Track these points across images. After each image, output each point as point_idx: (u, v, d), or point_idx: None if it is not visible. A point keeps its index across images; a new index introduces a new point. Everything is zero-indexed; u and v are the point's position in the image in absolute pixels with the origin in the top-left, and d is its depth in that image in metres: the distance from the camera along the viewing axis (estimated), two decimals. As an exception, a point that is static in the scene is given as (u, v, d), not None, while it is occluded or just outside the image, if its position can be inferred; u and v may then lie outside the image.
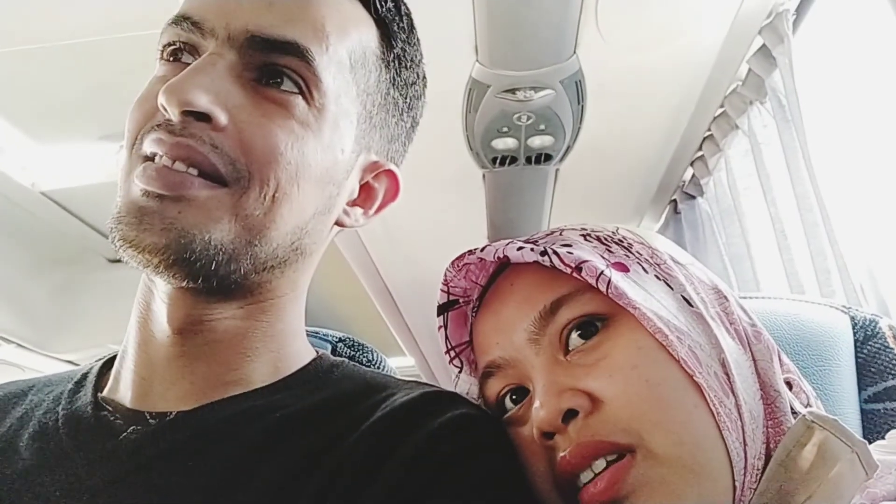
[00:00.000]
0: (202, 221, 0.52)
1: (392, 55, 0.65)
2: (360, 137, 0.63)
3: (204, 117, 0.53)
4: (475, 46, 1.19)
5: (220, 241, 0.53)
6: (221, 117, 0.53)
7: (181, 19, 0.56)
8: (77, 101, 1.41)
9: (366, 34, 0.62)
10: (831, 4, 1.18)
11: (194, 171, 0.52)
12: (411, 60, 0.67)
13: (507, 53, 1.20)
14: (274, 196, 0.55)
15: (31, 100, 1.39)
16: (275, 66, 0.56)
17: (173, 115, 0.52)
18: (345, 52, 0.60)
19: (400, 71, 0.66)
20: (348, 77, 0.60)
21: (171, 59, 0.58)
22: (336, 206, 0.63)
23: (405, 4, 0.67)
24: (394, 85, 0.66)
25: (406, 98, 0.68)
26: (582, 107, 1.38)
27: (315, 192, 0.59)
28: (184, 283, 0.54)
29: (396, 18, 0.65)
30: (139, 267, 0.52)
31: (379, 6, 0.63)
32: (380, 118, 0.65)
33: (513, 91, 1.28)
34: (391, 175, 0.68)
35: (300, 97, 0.56)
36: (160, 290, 0.57)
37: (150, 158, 0.53)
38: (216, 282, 0.54)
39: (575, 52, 1.21)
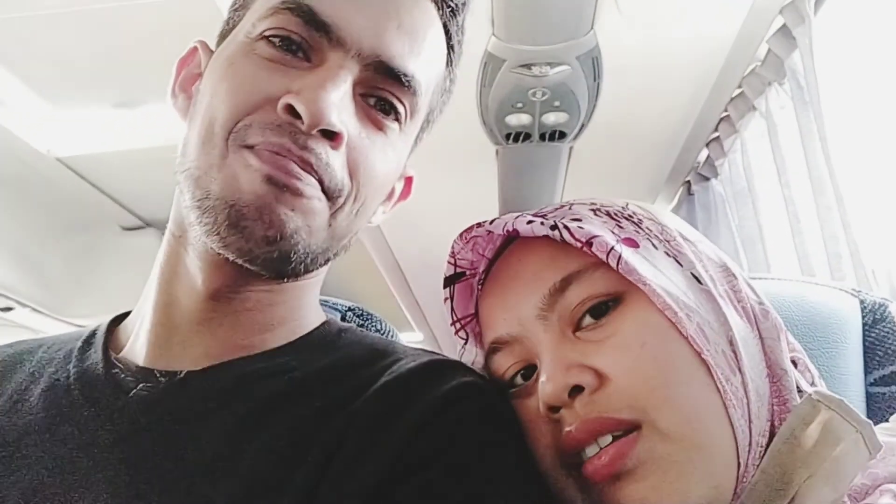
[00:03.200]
0: (308, 225, 0.54)
1: (447, 82, 0.68)
2: (410, 152, 0.68)
3: (328, 134, 0.54)
4: (491, 20, 1.18)
5: (315, 249, 0.56)
6: (343, 141, 0.55)
7: (319, 23, 0.56)
8: (93, 68, 1.41)
9: (442, 65, 0.66)
10: (855, -15, 1.16)
11: None
12: (453, 83, 0.70)
13: (524, 27, 1.19)
14: (359, 211, 0.59)
15: (48, 65, 1.40)
16: (388, 99, 0.59)
17: (307, 127, 0.53)
18: (432, 82, 0.63)
19: (446, 96, 0.70)
20: (425, 103, 0.64)
21: (282, 46, 0.56)
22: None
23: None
24: (438, 108, 0.69)
25: (439, 113, 0.71)
26: (598, 84, 1.36)
27: (379, 201, 0.64)
28: (264, 275, 0.56)
29: (459, 50, 0.68)
30: (229, 255, 0.53)
31: (455, 40, 0.66)
32: (422, 135, 0.69)
33: (528, 66, 1.27)
34: (408, 177, 0.72)
35: (397, 123, 0.60)
36: (200, 258, 0.57)
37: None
38: (287, 277, 0.57)
39: (592, 28, 1.20)
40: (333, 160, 0.54)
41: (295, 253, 0.54)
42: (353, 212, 0.58)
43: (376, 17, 0.57)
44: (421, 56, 0.60)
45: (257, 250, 0.52)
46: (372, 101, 0.58)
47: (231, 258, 0.53)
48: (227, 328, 0.59)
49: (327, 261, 0.61)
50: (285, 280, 0.58)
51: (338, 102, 0.54)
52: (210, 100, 0.56)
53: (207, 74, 0.60)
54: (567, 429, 0.53)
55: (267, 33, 0.56)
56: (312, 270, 0.59)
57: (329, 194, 0.55)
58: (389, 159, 0.60)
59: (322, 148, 0.54)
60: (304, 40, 0.56)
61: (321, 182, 0.54)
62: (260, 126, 0.53)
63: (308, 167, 0.53)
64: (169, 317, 0.60)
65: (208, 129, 0.55)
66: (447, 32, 0.65)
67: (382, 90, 0.58)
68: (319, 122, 0.52)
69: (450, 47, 0.66)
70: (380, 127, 0.59)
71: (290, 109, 0.53)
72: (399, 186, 0.71)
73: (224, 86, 0.56)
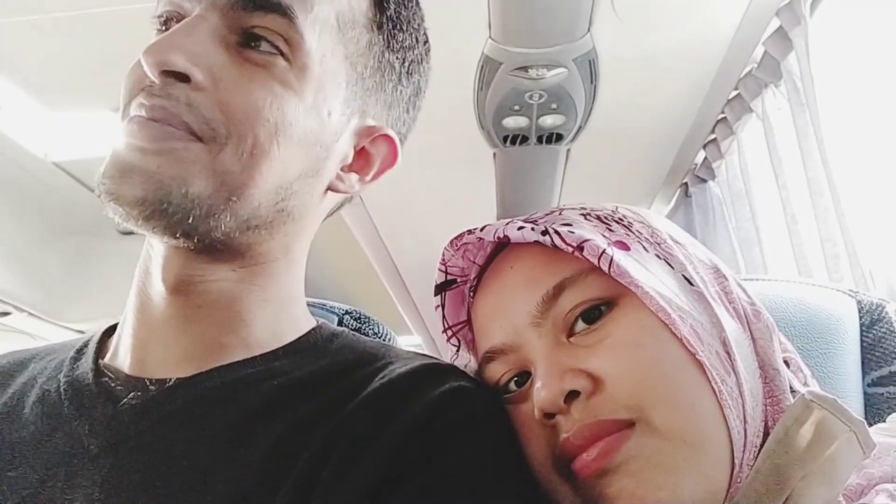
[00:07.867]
0: (180, 174, 0.53)
1: (385, 17, 0.64)
2: (350, 100, 0.62)
3: (183, 77, 0.54)
4: (488, 22, 1.18)
5: (196, 195, 0.53)
6: (199, 76, 0.54)
7: None
8: (91, 72, 1.41)
9: None
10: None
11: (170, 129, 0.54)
12: (408, 23, 0.66)
13: (521, 30, 1.19)
14: (252, 153, 0.55)
15: (45, 69, 1.40)
16: (255, 32, 0.56)
17: (153, 75, 0.53)
18: (332, 12, 0.60)
19: (395, 34, 0.65)
20: (335, 38, 0.60)
21: (164, 28, 0.58)
22: (326, 170, 0.63)
23: None
24: (389, 48, 0.65)
25: (404, 62, 0.67)
26: (594, 86, 1.37)
27: (299, 152, 0.59)
28: (165, 237, 0.55)
29: None
30: (120, 220, 0.53)
31: None
32: (374, 82, 0.64)
33: (525, 69, 1.28)
34: (389, 140, 0.67)
35: (280, 58, 0.57)
36: (156, 252, 0.59)
37: None
38: (197, 238, 0.55)
39: (589, 31, 1.20)
40: (196, 100, 0.54)
41: (169, 204, 0.52)
42: (244, 154, 0.55)
43: None
44: None
45: (133, 210, 0.52)
46: (245, 44, 0.57)
47: (120, 223, 0.54)
48: (198, 325, 0.59)
49: (248, 223, 0.57)
50: (197, 241, 0.56)
51: (182, 43, 0.54)
52: None
53: None
54: (564, 435, 0.53)
55: (156, 24, 0.59)
56: (223, 227, 0.56)
57: (200, 136, 0.54)
58: (282, 95, 0.56)
59: (180, 91, 0.54)
60: (176, 13, 0.57)
61: (186, 126, 0.54)
62: (134, 96, 0.55)
63: (165, 113, 0.53)
64: (145, 317, 0.60)
65: None
66: None
67: (250, 27, 0.57)
68: (160, 65, 0.53)
69: None
70: (260, 64, 0.56)
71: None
72: (380, 152, 0.67)
73: None
